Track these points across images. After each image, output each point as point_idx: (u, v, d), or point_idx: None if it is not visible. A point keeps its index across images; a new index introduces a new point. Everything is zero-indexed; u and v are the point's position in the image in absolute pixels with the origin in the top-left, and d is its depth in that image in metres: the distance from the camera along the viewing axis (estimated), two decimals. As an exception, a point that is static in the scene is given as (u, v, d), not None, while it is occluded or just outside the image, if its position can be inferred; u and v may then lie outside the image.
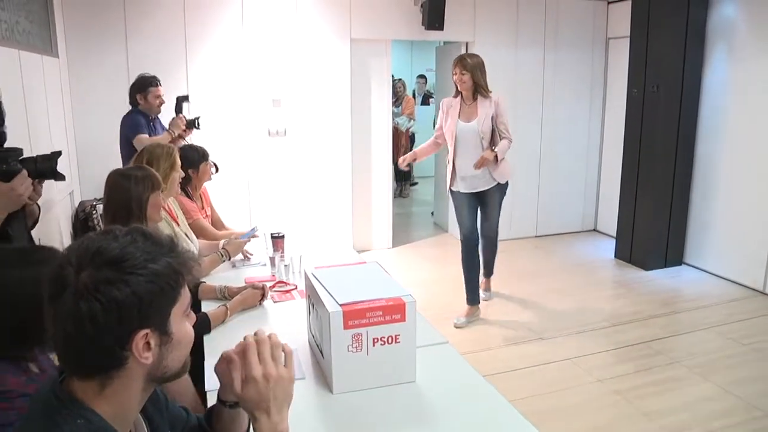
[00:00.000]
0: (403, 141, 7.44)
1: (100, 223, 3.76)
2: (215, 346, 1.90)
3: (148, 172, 2.16)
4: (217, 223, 3.22)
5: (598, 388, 3.11)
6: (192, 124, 3.75)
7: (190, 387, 1.81)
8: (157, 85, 3.68)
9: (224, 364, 1.06)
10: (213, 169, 3.12)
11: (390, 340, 1.61)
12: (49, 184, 2.07)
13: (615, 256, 5.33)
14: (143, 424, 1.02)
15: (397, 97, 7.53)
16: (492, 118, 3.65)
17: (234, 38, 4.72)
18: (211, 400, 1.53)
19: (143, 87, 3.66)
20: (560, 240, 5.93)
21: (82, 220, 3.97)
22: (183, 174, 2.63)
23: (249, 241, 2.82)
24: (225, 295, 2.26)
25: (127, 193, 2.07)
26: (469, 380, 1.71)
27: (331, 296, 1.64)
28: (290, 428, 1.04)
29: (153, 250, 0.88)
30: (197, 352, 1.72)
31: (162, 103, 3.74)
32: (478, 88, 3.66)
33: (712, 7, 4.71)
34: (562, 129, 5.89)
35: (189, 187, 3.00)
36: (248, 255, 2.84)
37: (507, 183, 3.85)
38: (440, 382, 1.68)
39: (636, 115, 4.99)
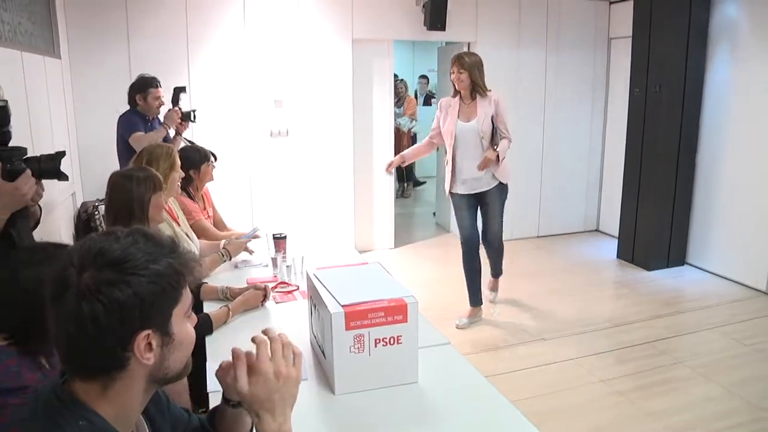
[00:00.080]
0: (405, 141, 7.40)
1: (103, 224, 3.76)
2: (217, 347, 1.90)
3: (149, 173, 2.16)
4: (218, 224, 3.22)
5: (601, 389, 3.11)
6: (187, 117, 3.73)
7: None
8: (157, 87, 3.67)
9: (226, 369, 1.06)
10: (212, 158, 3.10)
11: (392, 341, 1.61)
12: (51, 185, 2.07)
13: (617, 257, 5.32)
14: (145, 425, 1.02)
15: (399, 98, 7.52)
16: (492, 117, 3.63)
17: (236, 38, 4.73)
18: (212, 401, 1.53)
19: (143, 88, 3.65)
20: (562, 240, 5.93)
21: (84, 221, 3.97)
22: (183, 174, 2.63)
23: (250, 241, 2.82)
24: (227, 295, 2.26)
25: (128, 194, 2.07)
26: (471, 381, 1.71)
27: (333, 297, 1.64)
28: (292, 429, 1.03)
29: (154, 251, 0.89)
30: (199, 353, 1.72)
31: (161, 104, 3.72)
32: (476, 87, 3.63)
33: (714, 7, 4.69)
34: (564, 129, 5.88)
35: (191, 187, 3.00)
36: (250, 250, 2.84)
37: (507, 186, 3.81)
38: (442, 383, 1.68)
39: (638, 116, 4.98)
